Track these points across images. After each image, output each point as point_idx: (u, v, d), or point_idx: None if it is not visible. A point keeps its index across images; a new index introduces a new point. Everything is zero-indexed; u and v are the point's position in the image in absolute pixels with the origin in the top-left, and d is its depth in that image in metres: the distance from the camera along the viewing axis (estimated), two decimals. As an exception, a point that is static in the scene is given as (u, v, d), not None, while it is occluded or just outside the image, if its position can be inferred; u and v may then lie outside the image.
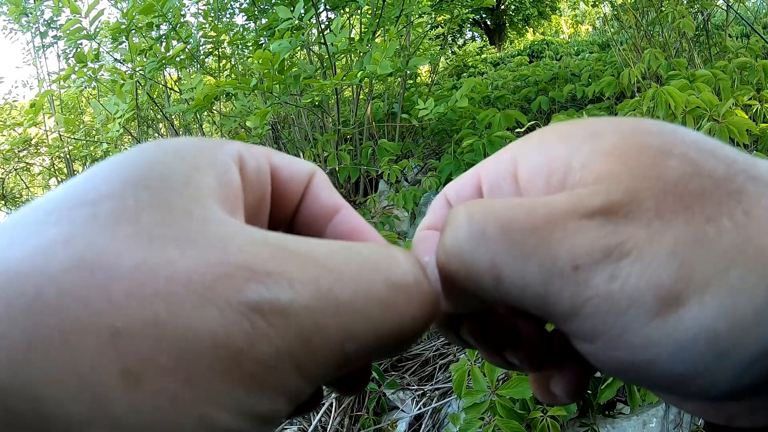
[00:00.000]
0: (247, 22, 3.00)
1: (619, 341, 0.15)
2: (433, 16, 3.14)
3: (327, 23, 2.48)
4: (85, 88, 3.12)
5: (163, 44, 2.50)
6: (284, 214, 0.21)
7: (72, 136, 3.24)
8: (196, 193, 0.15)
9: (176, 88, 3.02)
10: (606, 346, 0.16)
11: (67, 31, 2.28)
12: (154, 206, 0.14)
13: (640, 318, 0.15)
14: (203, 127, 3.23)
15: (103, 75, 2.60)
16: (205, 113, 2.81)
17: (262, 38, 2.49)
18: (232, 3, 2.99)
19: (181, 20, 2.53)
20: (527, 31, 13.32)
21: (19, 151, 3.56)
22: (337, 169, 2.27)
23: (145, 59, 2.37)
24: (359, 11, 2.70)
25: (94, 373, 0.11)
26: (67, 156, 3.34)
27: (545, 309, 0.16)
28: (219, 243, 0.14)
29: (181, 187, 0.15)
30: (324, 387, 0.22)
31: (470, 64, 6.44)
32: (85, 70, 2.32)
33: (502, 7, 12.36)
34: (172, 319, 0.12)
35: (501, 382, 0.99)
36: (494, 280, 0.16)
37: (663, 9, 2.28)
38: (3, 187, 3.65)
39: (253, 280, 0.13)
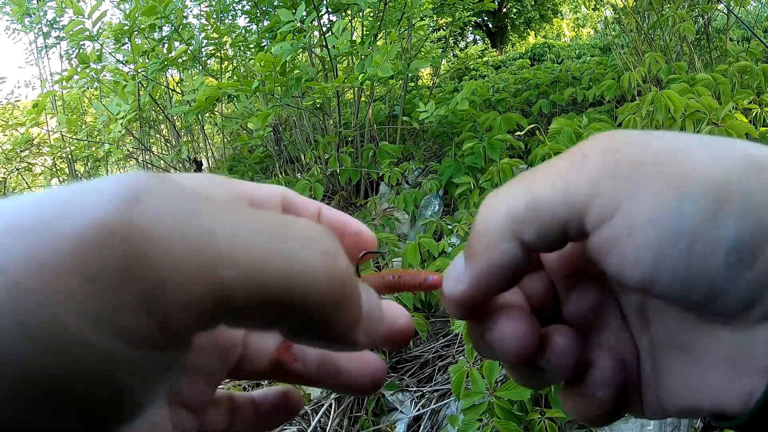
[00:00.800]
0: (249, 24, 3.01)
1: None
2: (435, 18, 3.15)
3: (329, 26, 2.49)
4: (88, 88, 3.13)
5: (166, 45, 2.52)
6: None
7: (74, 137, 3.25)
8: None
9: (178, 90, 3.03)
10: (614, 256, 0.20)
11: (70, 32, 2.29)
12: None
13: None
14: (205, 128, 3.24)
15: (105, 76, 2.61)
16: (207, 115, 2.82)
17: (264, 40, 2.50)
18: (234, 5, 3.00)
19: (184, 22, 2.54)
20: (529, 35, 13.33)
21: (21, 151, 3.57)
22: (338, 171, 2.28)
23: (147, 60, 2.38)
24: (361, 14, 2.71)
25: None
26: (69, 156, 3.35)
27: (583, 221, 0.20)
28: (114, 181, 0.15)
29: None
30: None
31: (472, 66, 6.45)
32: (87, 70, 2.33)
33: (504, 10, 12.37)
34: (40, 224, 0.13)
35: (499, 383, 1.00)
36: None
37: (664, 13, 2.28)
38: (5, 187, 3.66)
39: (122, 198, 0.14)
